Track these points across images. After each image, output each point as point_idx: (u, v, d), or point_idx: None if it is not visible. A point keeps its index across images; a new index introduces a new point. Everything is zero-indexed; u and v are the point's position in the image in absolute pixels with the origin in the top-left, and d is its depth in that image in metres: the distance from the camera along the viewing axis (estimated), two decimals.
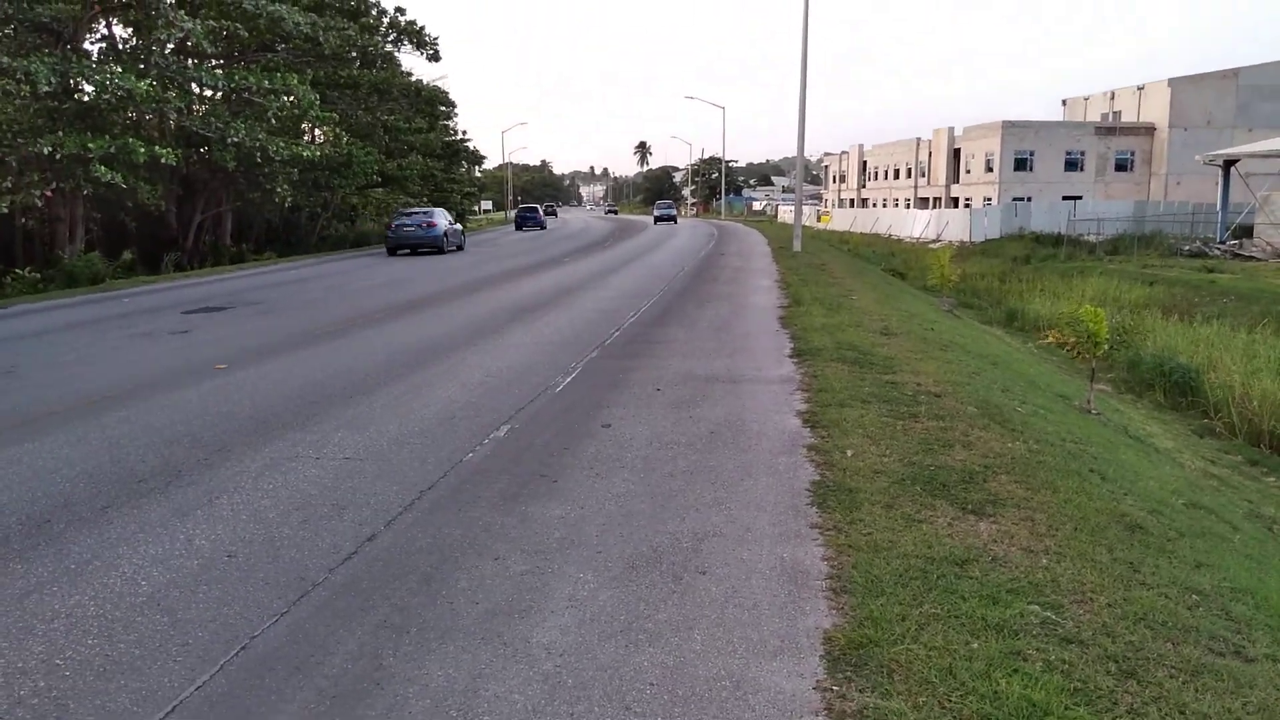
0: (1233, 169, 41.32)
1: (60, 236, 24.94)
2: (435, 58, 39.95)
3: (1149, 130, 60.13)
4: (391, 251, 31.16)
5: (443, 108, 53.41)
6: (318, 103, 28.18)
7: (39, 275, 22.08)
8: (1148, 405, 15.00)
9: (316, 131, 34.66)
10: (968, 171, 66.61)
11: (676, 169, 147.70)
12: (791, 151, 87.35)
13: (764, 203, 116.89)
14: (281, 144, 26.87)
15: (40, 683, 3.48)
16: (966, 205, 61.49)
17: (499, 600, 4.11)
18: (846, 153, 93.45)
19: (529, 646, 3.69)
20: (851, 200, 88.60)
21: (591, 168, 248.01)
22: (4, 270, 22.38)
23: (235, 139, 25.44)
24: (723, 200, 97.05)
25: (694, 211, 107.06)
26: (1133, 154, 60.65)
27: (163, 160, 23.02)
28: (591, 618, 3.93)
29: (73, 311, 16.61)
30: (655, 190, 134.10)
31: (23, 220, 26.00)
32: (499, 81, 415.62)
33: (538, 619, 3.93)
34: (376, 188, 41.30)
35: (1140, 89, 61.55)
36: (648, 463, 6.18)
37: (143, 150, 21.95)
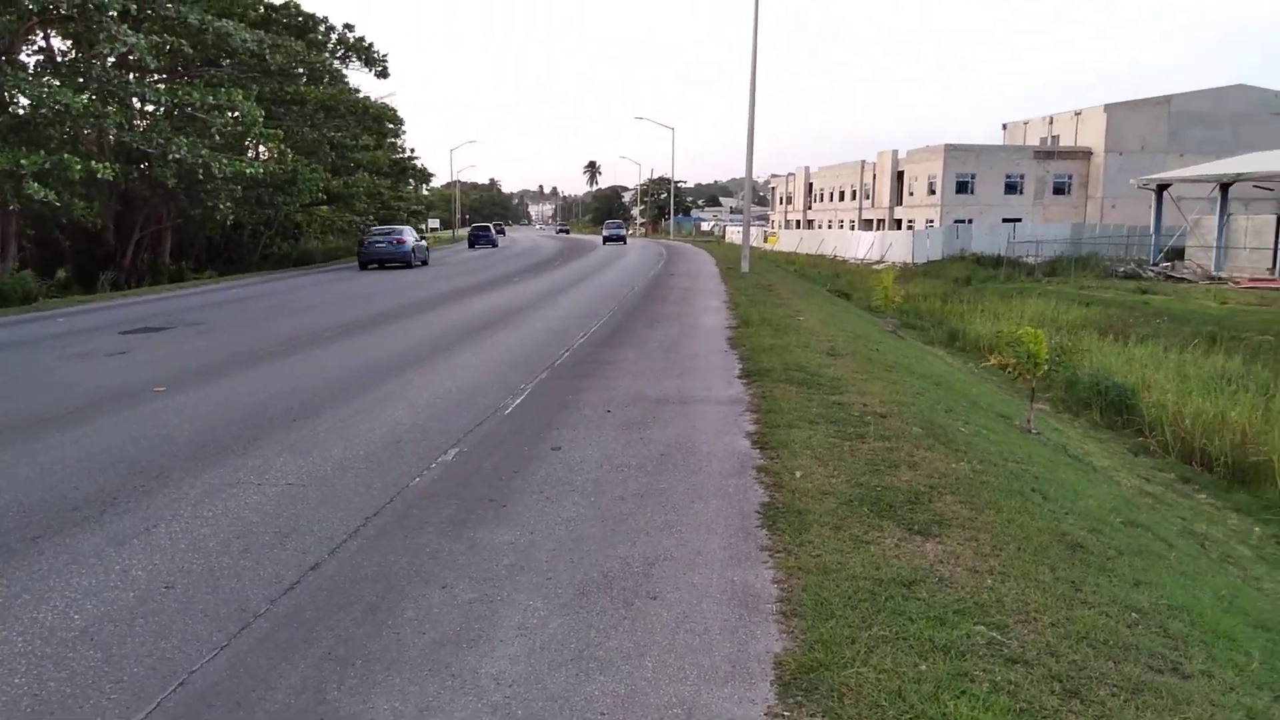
0: (1165, 193, 42.71)
1: None
2: (384, 74, 39.78)
3: (1086, 154, 61.94)
4: (363, 266, 33.51)
5: (390, 125, 53.00)
6: (262, 119, 27.81)
7: None
8: (1085, 424, 15.36)
9: (261, 148, 34.19)
10: (911, 194, 67.90)
11: (625, 189, 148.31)
12: (739, 172, 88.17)
13: (712, 223, 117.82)
14: (225, 160, 26.43)
15: None
16: (909, 227, 62.62)
17: (447, 630, 4.05)
18: (793, 174, 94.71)
19: (478, 677, 3.63)
20: (798, 221, 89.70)
21: (540, 187, 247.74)
22: None
23: (177, 155, 24.94)
24: (671, 220, 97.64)
25: (643, 231, 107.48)
26: (1070, 177, 62.40)
27: (100, 176, 22.50)
28: (542, 646, 3.88)
29: (3, 332, 16.10)
30: (604, 210, 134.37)
31: None
32: (449, 99, 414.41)
33: (486, 648, 3.88)
34: (322, 205, 40.80)
35: (1078, 114, 63.41)
36: (598, 486, 6.16)
37: (79, 166, 21.42)
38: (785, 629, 4.00)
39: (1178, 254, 41.62)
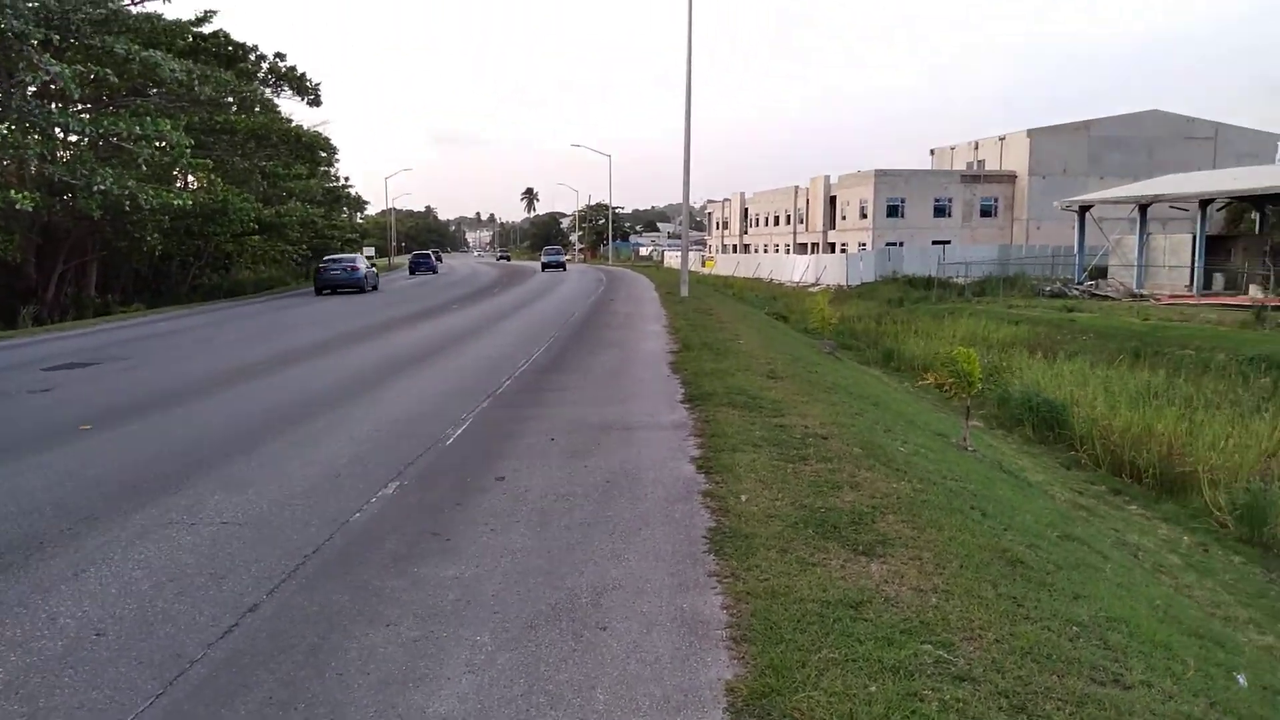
0: (1088, 214, 44.17)
1: None
2: (316, 102, 39.38)
3: (1011, 178, 63.80)
4: (319, 291, 35.62)
5: (324, 153, 52.36)
6: (191, 148, 27.26)
7: None
8: (1018, 440, 15.72)
9: (190, 178, 33.51)
10: (843, 218, 69.16)
11: (564, 215, 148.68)
12: (676, 198, 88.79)
13: (650, 248, 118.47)
14: (152, 191, 25.81)
15: None
16: (843, 250, 63.72)
17: (392, 669, 3.96)
18: (729, 200, 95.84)
19: (425, 717, 3.56)
20: (734, 246, 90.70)
21: (478, 213, 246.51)
22: None
23: (102, 186, 24.28)
24: (610, 246, 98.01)
25: (581, 257, 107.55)
26: (996, 200, 64.19)
27: (19, 207, 21.81)
28: (490, 682, 3.82)
29: None
30: (543, 236, 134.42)
31: None
32: (384, 128, 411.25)
33: (433, 687, 3.80)
34: (253, 235, 40.08)
35: (1002, 139, 65.36)
36: (544, 516, 6.10)
37: None
38: (736, 655, 3.99)
39: (1101, 273, 43.01)
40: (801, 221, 76.85)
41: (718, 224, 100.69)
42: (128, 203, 25.46)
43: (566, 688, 3.76)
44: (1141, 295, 37.50)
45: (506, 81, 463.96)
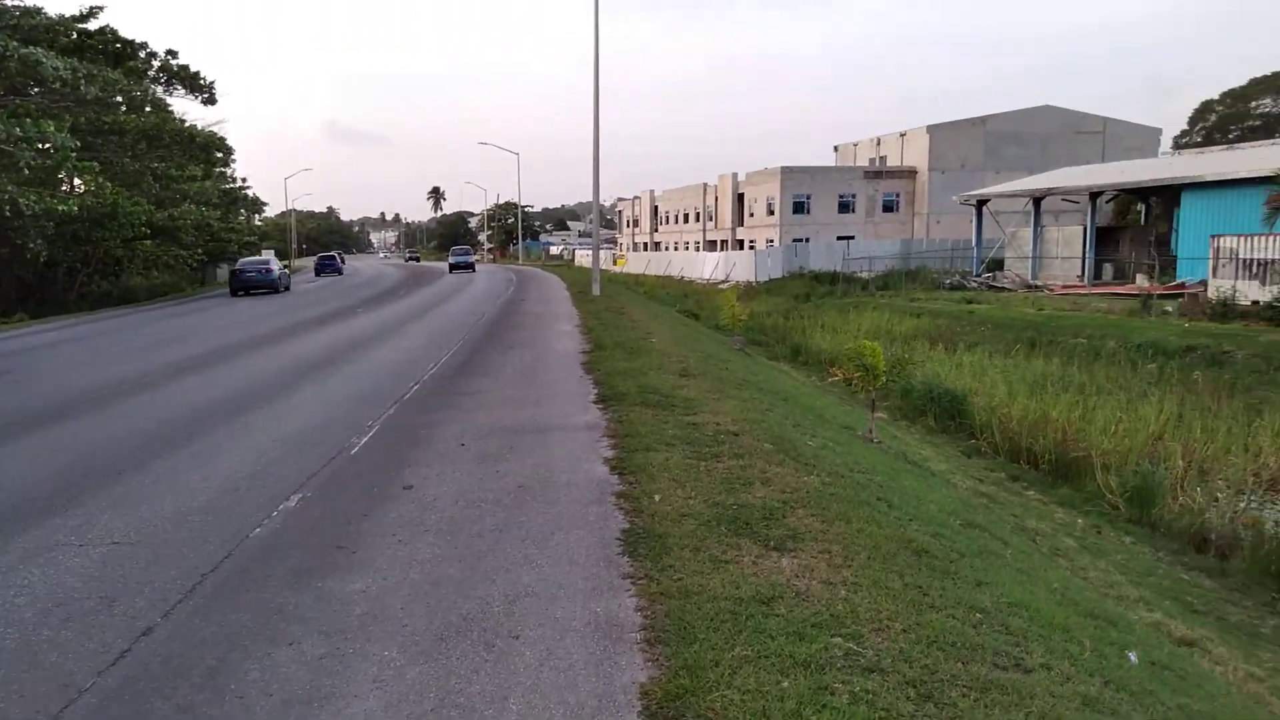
0: (985, 208, 45.72)
1: None
2: (210, 101, 38.12)
3: (911, 173, 65.60)
4: (234, 292, 37.17)
5: (219, 154, 50.60)
6: (77, 151, 26.03)
7: None
8: (921, 430, 16.15)
9: (77, 181, 32.00)
10: (751, 215, 70.12)
11: (472, 214, 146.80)
12: (587, 197, 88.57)
13: (561, 247, 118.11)
14: (35, 197, 24.58)
15: None
16: (751, 247, 64.57)
17: (296, 689, 3.83)
18: (639, 197, 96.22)
19: None
20: (645, 244, 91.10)
21: (382, 213, 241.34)
22: None
23: None
24: (520, 245, 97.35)
25: (490, 257, 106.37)
26: (898, 195, 65.92)
27: None
28: (399, 698, 3.73)
29: None
30: (450, 236, 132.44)
31: None
32: (284, 128, 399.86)
33: (340, 705, 3.69)
34: (145, 240, 38.50)
35: (903, 135, 67.15)
36: (454, 524, 6.00)
37: None
38: (650, 657, 3.98)
39: (998, 265, 44.54)
40: (711, 219, 77.62)
41: (628, 222, 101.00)
42: (8, 209, 24.18)
43: (479, 700, 3.69)
44: (1036, 286, 38.97)
45: (410, 80, 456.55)
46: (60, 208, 25.58)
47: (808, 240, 58.27)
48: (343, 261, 70.67)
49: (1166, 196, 38.09)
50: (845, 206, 65.46)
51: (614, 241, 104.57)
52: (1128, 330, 24.23)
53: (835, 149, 77.71)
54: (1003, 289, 39.34)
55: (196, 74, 36.84)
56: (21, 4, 26.93)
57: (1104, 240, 40.51)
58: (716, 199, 76.46)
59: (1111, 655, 4.95)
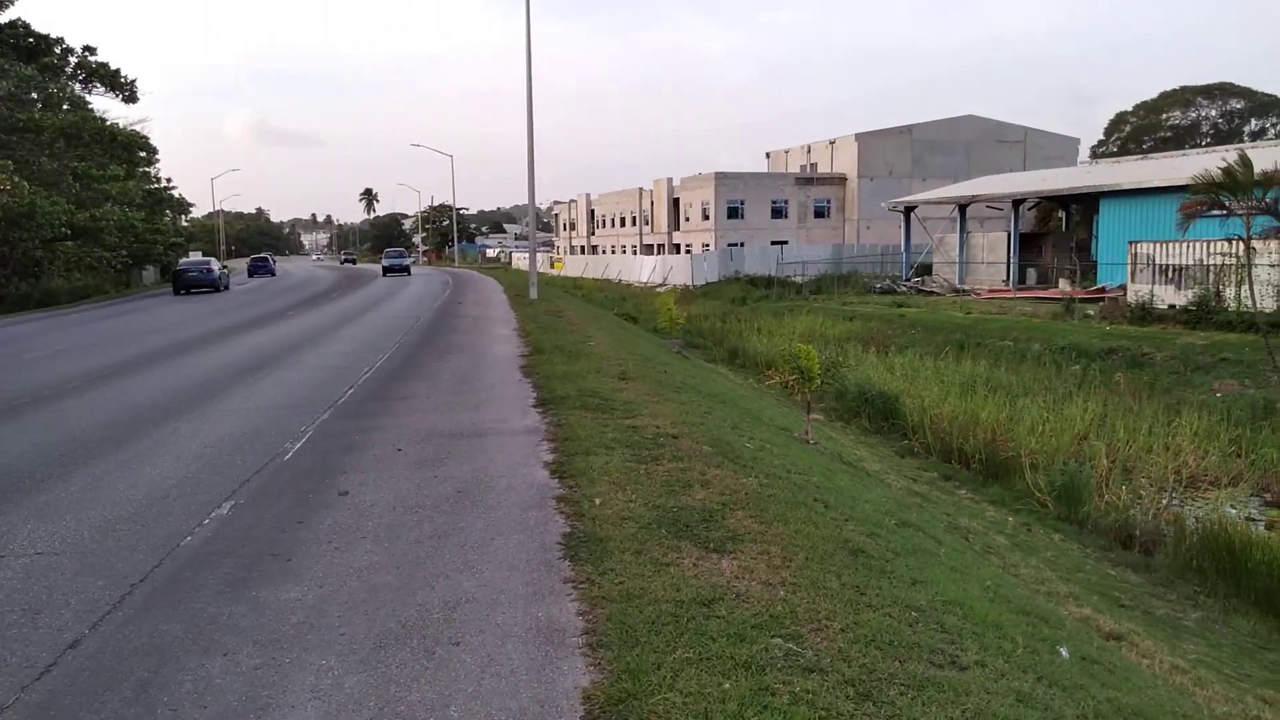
0: (913, 214, 46.67)
1: None
2: (132, 99, 37.10)
3: (841, 180, 66.64)
4: (177, 291, 38.84)
5: (143, 153, 49.21)
6: None
7: None
8: (856, 431, 16.42)
9: None
10: (687, 219, 70.50)
11: (406, 215, 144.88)
12: (523, 199, 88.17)
13: (498, 250, 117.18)
14: None
15: None
16: (687, 251, 64.96)
17: (230, 702, 3.74)
18: (575, 201, 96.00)
19: None
20: (582, 247, 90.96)
21: (314, 215, 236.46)
22: None
23: None
24: (456, 248, 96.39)
25: (425, 260, 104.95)
26: (829, 201, 66.91)
27: None
28: (337, 708, 3.66)
29: None
30: (384, 238, 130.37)
31: None
32: (210, 128, 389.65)
33: (277, 716, 3.61)
34: (66, 241, 37.22)
35: (832, 143, 68.16)
36: (391, 530, 5.92)
37: None
38: (592, 661, 3.98)
39: (927, 269, 45.49)
40: (647, 223, 77.84)
41: (565, 225, 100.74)
42: None
43: (419, 708, 3.65)
44: (964, 290, 39.89)
45: (341, 81, 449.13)
46: None
47: (743, 245, 58.81)
48: (274, 263, 69.34)
49: (1086, 204, 39.32)
50: (778, 212, 66.22)
51: (551, 244, 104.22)
52: (1052, 333, 24.94)
53: (767, 155, 78.58)
54: (931, 293, 40.19)
55: (116, 71, 35.84)
56: None
57: (1027, 246, 41.65)
58: (653, 203, 76.72)
59: (1043, 651, 5.08)
